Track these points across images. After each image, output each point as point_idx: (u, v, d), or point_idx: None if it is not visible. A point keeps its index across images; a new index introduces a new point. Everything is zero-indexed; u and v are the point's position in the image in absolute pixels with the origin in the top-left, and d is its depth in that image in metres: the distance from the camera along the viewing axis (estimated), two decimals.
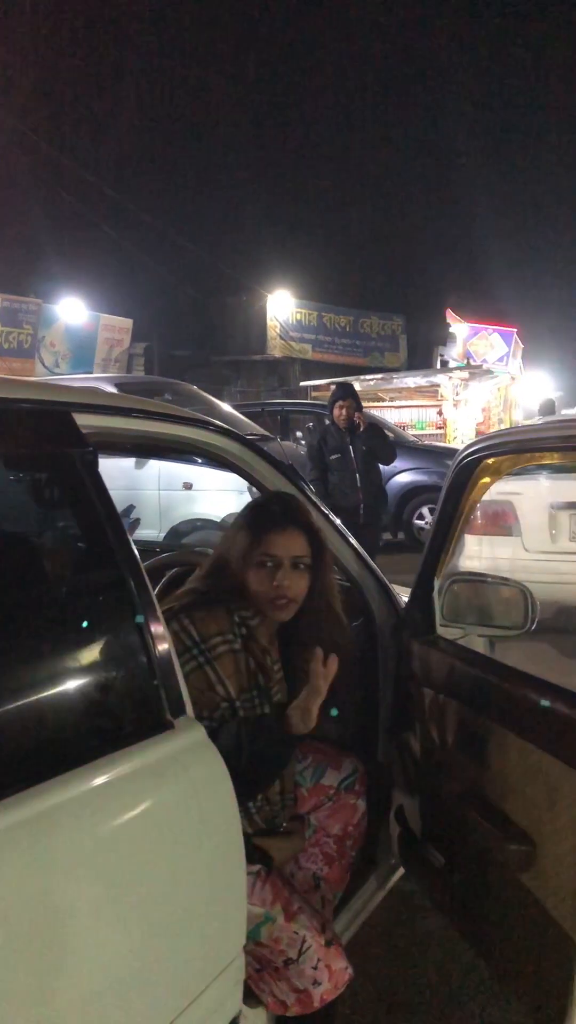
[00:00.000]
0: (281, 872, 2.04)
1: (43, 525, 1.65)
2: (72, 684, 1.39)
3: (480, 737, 1.96)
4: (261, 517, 2.02)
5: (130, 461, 7.10)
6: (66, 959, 1.18)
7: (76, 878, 1.22)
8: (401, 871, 2.49)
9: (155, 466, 7.02)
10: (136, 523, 5.45)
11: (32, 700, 1.32)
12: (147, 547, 3.56)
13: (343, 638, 2.10)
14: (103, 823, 1.27)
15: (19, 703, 1.29)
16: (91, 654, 1.43)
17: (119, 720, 1.42)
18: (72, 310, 18.31)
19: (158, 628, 1.48)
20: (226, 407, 9.17)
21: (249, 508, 2.08)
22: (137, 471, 7.18)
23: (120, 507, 4.59)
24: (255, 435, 8.25)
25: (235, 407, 10.14)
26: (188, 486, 6.80)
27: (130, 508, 5.47)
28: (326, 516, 2.31)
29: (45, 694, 1.34)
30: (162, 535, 6.73)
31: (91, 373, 15.51)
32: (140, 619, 1.44)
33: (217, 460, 2.05)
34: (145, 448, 2.29)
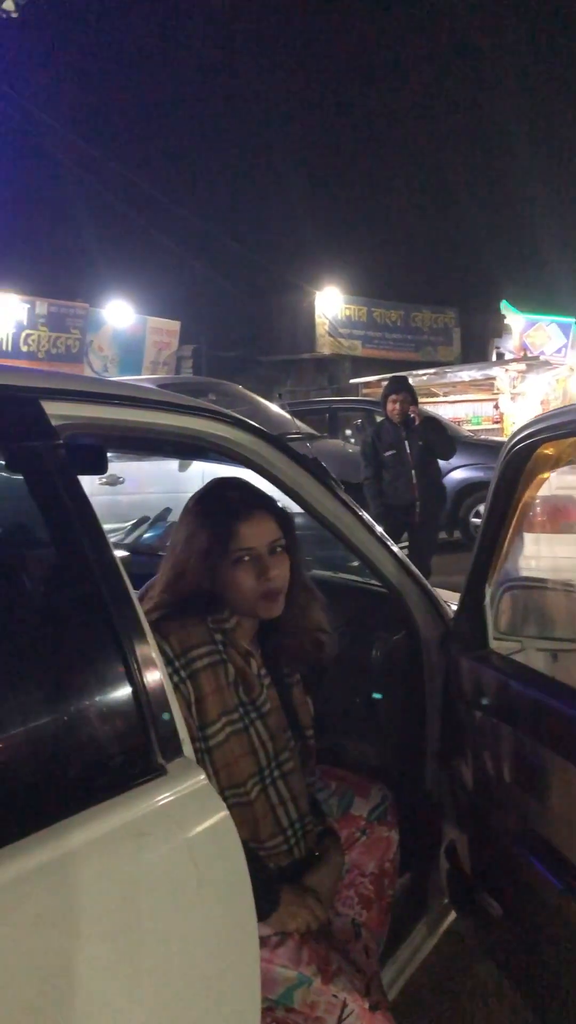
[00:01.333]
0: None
1: (9, 530, 1.42)
2: (36, 726, 1.15)
3: (540, 769, 1.68)
4: (220, 508, 1.77)
5: (172, 463, 6.94)
6: None
7: (37, 962, 0.99)
8: (454, 914, 2.23)
9: (199, 467, 6.84)
10: (172, 527, 5.24)
11: None
12: None
13: (322, 617, 1.89)
14: (70, 897, 1.04)
15: None
16: (59, 688, 1.19)
17: (96, 767, 1.17)
18: (119, 313, 18.36)
19: (146, 653, 1.24)
20: (273, 407, 9.00)
21: (200, 501, 1.81)
22: (180, 473, 7.01)
23: (156, 510, 4.38)
24: (299, 434, 8.04)
25: (282, 406, 9.97)
26: None
27: (166, 511, 5.26)
28: (359, 516, 2.05)
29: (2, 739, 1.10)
30: None
31: (139, 376, 15.49)
32: (121, 643, 1.20)
33: (228, 455, 1.80)
34: (150, 443, 2.05)
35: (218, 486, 1.85)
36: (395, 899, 2.03)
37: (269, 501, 1.83)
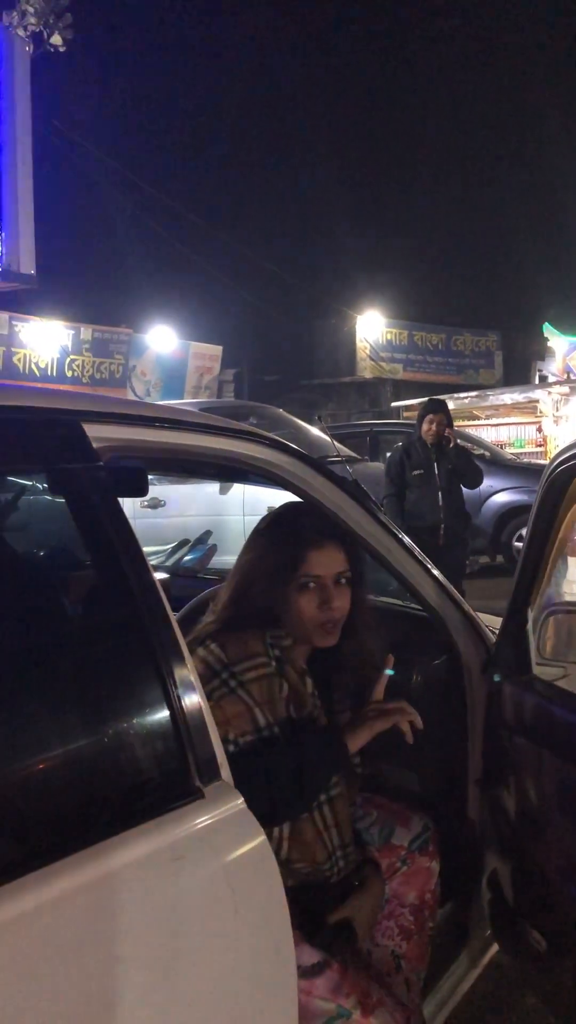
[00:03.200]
0: (359, 953, 1.76)
1: (44, 556, 1.43)
2: (73, 747, 1.15)
3: None
4: (294, 534, 1.80)
5: (213, 486, 6.98)
6: None
7: (71, 987, 0.98)
8: (496, 946, 2.17)
9: (239, 491, 6.87)
10: (213, 549, 5.27)
11: (22, 768, 1.09)
12: (224, 575, 3.36)
13: (374, 647, 1.88)
14: (106, 921, 1.03)
15: (4, 772, 1.06)
16: (98, 710, 1.19)
17: (132, 790, 1.17)
18: (162, 338, 18.55)
19: (184, 675, 1.23)
20: (314, 430, 9.00)
21: (274, 523, 1.86)
22: (221, 497, 7.04)
23: (197, 533, 4.42)
24: (340, 457, 8.03)
25: (323, 429, 9.96)
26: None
27: (207, 534, 5.30)
28: (399, 539, 2.03)
29: (38, 760, 1.11)
30: None
31: (181, 400, 15.62)
32: (159, 665, 1.20)
33: (268, 476, 1.80)
34: (191, 466, 2.06)
35: (292, 511, 1.89)
36: (436, 930, 1.99)
37: (341, 533, 1.86)
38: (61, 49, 13.22)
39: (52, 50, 13.16)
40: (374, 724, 1.72)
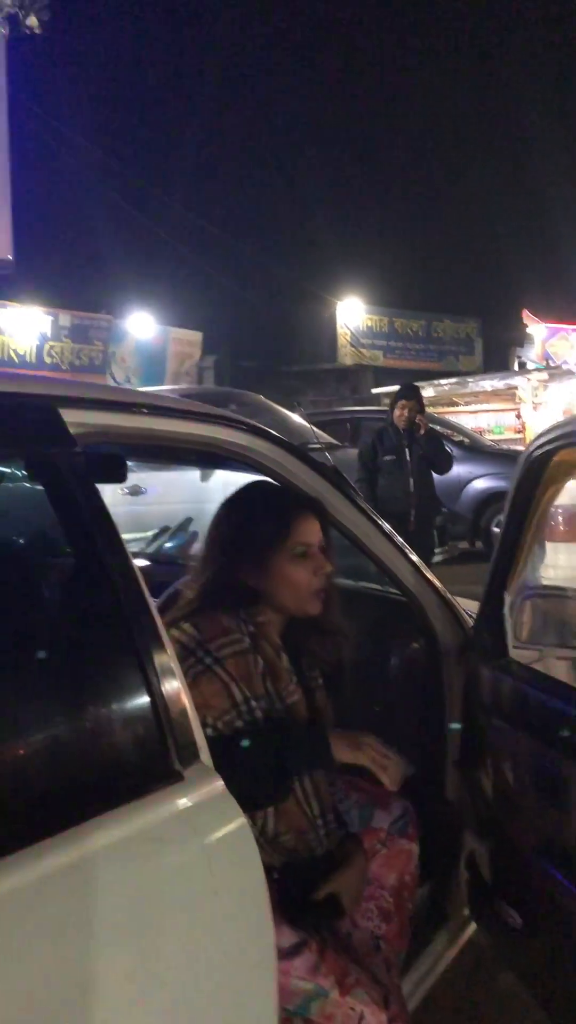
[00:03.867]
0: (338, 934, 1.78)
1: (21, 542, 1.43)
2: (54, 732, 1.15)
3: (560, 780, 1.66)
4: (282, 504, 1.84)
5: (194, 474, 6.95)
6: None
7: (51, 969, 0.99)
8: (474, 925, 2.20)
9: (220, 477, 6.84)
10: (194, 537, 5.25)
11: (3, 752, 1.09)
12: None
13: (343, 623, 1.91)
14: (85, 903, 1.04)
15: None
16: (78, 694, 1.19)
17: (112, 773, 1.18)
18: (141, 325, 18.45)
19: (164, 661, 1.24)
20: (295, 417, 8.98)
21: (251, 500, 1.87)
22: (202, 484, 7.01)
23: (178, 520, 4.40)
24: (320, 444, 8.03)
25: (303, 415, 9.96)
26: None
27: (187, 521, 5.27)
28: (378, 524, 2.05)
29: (19, 744, 1.11)
30: None
31: (161, 386, 15.55)
32: (138, 650, 1.20)
33: (246, 462, 1.81)
34: (170, 452, 2.06)
35: (264, 487, 1.92)
36: (415, 910, 2.01)
37: (316, 503, 1.89)
38: (37, 31, 13.04)
39: (28, 32, 12.98)
40: (359, 754, 1.75)
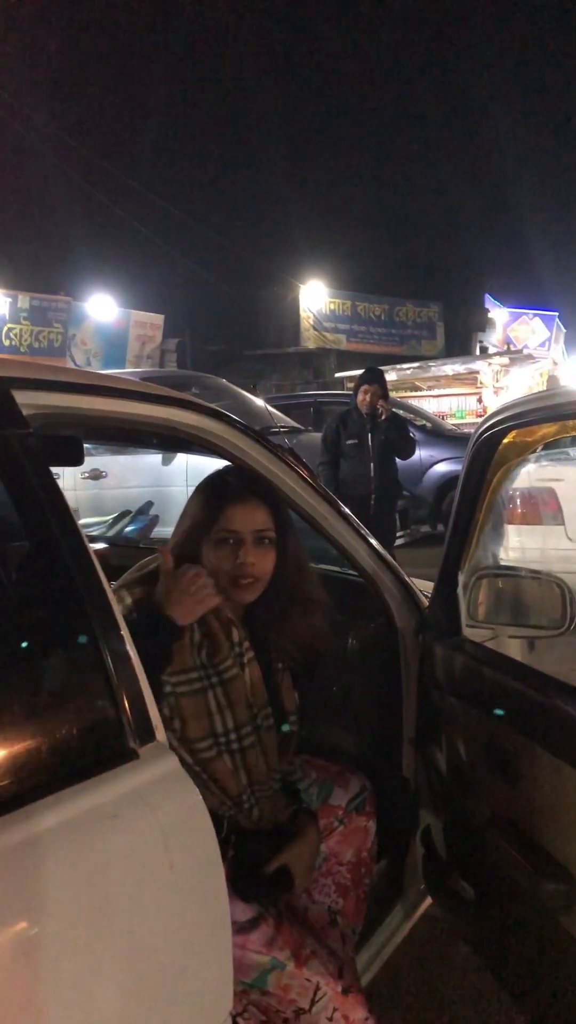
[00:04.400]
0: (293, 907, 1.81)
1: None
2: (7, 710, 1.16)
3: (512, 755, 1.70)
4: (217, 490, 1.84)
5: (156, 457, 6.93)
6: None
7: (8, 945, 1.00)
8: (430, 899, 2.25)
9: (182, 461, 6.83)
10: (155, 520, 5.26)
11: None
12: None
13: (319, 622, 1.93)
14: (43, 879, 1.05)
15: None
16: (33, 675, 1.20)
17: (68, 751, 1.19)
18: (102, 307, 18.27)
19: (118, 641, 1.25)
20: (257, 401, 8.98)
21: (204, 482, 1.89)
22: (163, 468, 7.00)
23: (138, 503, 4.40)
24: (283, 427, 8.04)
25: (268, 400, 9.96)
26: None
27: (148, 505, 5.27)
28: (336, 507, 2.07)
29: None
30: None
31: (123, 370, 15.44)
32: (93, 630, 1.21)
33: (205, 445, 1.81)
34: (128, 434, 2.06)
35: (222, 472, 1.92)
36: (372, 886, 2.05)
37: (269, 494, 1.88)
38: None
39: None
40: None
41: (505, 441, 1.83)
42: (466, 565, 1.99)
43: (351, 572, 2.27)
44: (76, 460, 1.41)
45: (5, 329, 15.90)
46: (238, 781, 1.76)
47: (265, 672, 1.85)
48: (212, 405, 1.80)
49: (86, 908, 1.10)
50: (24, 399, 1.29)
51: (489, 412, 1.84)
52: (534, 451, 1.89)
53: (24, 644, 1.22)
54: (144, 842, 1.19)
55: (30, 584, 1.30)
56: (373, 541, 2.17)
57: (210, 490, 1.85)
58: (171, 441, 2.11)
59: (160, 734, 1.28)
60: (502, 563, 2.64)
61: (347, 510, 2.13)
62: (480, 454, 1.89)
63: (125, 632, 1.27)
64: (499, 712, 1.74)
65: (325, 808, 1.99)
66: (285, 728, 1.88)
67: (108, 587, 1.28)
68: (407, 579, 2.21)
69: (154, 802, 1.22)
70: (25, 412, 1.27)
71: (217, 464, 1.97)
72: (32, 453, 1.23)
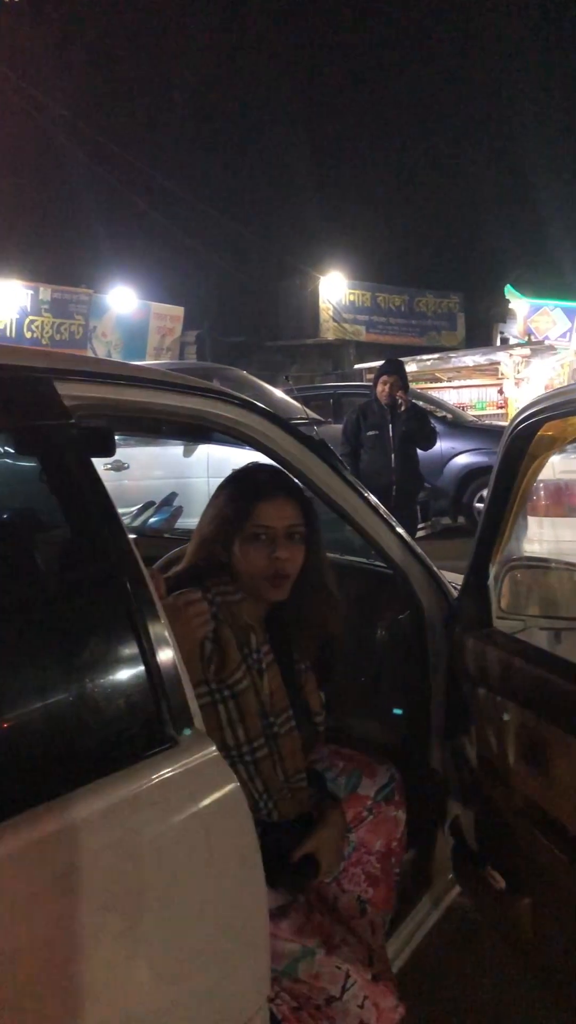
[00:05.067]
0: (323, 896, 1.82)
1: (19, 512, 1.44)
2: (51, 698, 1.18)
3: (543, 745, 1.70)
4: (247, 486, 1.85)
5: (177, 449, 6.95)
6: None
7: (50, 928, 1.02)
8: (458, 888, 2.26)
9: (204, 453, 6.85)
10: (179, 511, 5.28)
11: (3, 719, 1.12)
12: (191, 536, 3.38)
13: (335, 619, 1.93)
14: (85, 864, 1.06)
15: None
16: (75, 663, 1.21)
17: (109, 738, 1.20)
18: (123, 299, 18.28)
19: (158, 629, 1.26)
20: (278, 392, 8.99)
21: (231, 479, 1.90)
22: (185, 459, 7.02)
23: (162, 494, 4.43)
24: (306, 418, 8.05)
25: (289, 391, 9.96)
26: None
27: (172, 496, 5.30)
28: (365, 498, 2.07)
29: (16, 710, 1.13)
30: None
31: (143, 361, 15.46)
32: (133, 618, 1.23)
33: (236, 436, 1.82)
34: (158, 425, 2.07)
35: (250, 467, 1.93)
36: (401, 876, 2.06)
37: (297, 489, 1.88)
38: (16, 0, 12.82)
39: (7, 1, 12.76)
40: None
41: (540, 433, 1.83)
42: (497, 557, 1.99)
43: (379, 563, 2.27)
44: (108, 451, 1.43)
45: (27, 321, 15.95)
46: (254, 789, 1.76)
47: (287, 672, 1.85)
48: (244, 396, 1.81)
49: (127, 893, 1.12)
50: (65, 390, 1.30)
51: (522, 404, 1.84)
52: (569, 443, 1.89)
53: (66, 632, 1.24)
54: (183, 828, 1.21)
55: (73, 573, 1.31)
56: (402, 532, 2.18)
57: (239, 486, 1.86)
58: (195, 431, 2.12)
59: (198, 721, 1.30)
60: (525, 553, 2.63)
61: (376, 501, 2.13)
62: (514, 446, 1.89)
63: (164, 620, 1.29)
64: (530, 703, 1.74)
65: (354, 798, 2.00)
66: (310, 726, 1.89)
67: (148, 576, 1.29)
68: (436, 570, 2.21)
69: (193, 789, 1.24)
70: (67, 403, 1.29)
71: (239, 455, 1.98)
72: (74, 443, 1.24)
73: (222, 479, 1.96)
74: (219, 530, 1.81)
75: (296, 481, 1.93)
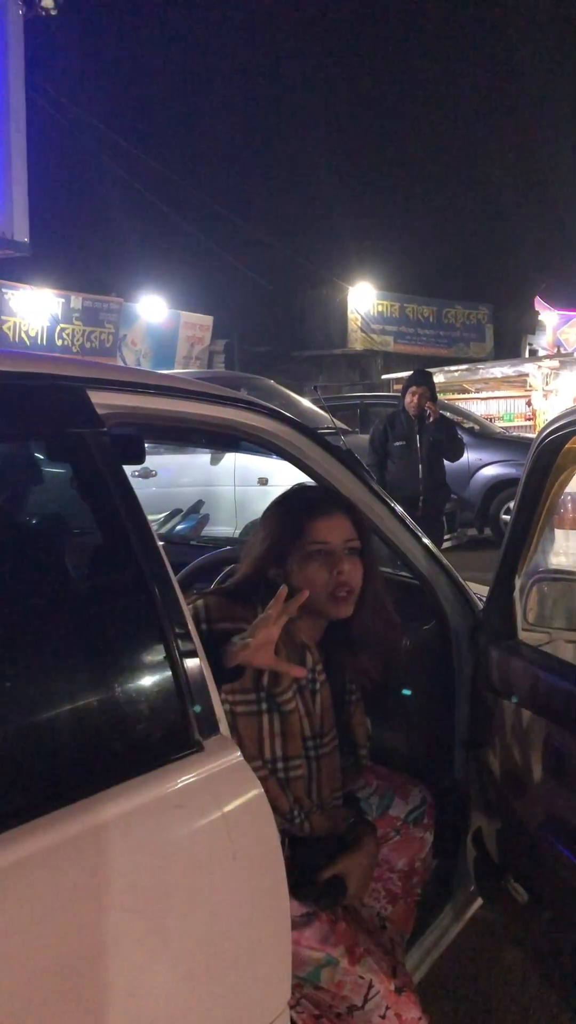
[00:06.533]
0: (347, 907, 1.82)
1: (49, 519, 1.47)
2: (79, 701, 1.19)
3: (568, 758, 1.70)
4: (299, 504, 1.83)
5: (204, 457, 7.01)
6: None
7: (74, 930, 1.04)
8: (480, 901, 2.25)
9: (230, 461, 6.90)
10: (205, 519, 5.32)
11: (31, 720, 1.14)
12: (217, 543, 3.43)
13: (396, 634, 1.93)
14: (109, 865, 1.08)
15: (15, 723, 1.11)
16: (103, 667, 1.23)
17: (136, 742, 1.22)
18: (153, 308, 18.42)
19: (185, 635, 1.28)
20: (305, 402, 9.02)
21: (280, 500, 1.88)
22: (212, 467, 7.08)
23: (189, 502, 4.48)
24: (333, 428, 8.07)
25: (316, 400, 10.00)
26: (263, 481, 6.65)
27: (199, 504, 5.34)
28: (391, 508, 2.08)
29: (45, 713, 1.15)
30: (237, 532, 6.60)
31: (174, 371, 15.56)
32: (162, 624, 1.25)
33: (265, 445, 1.84)
34: (187, 433, 2.10)
35: (298, 489, 1.92)
36: (424, 894, 2.05)
37: (350, 506, 1.87)
38: (53, 12, 12.95)
39: (44, 14, 12.89)
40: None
41: (567, 446, 1.83)
42: (523, 569, 1.99)
43: (405, 573, 2.28)
44: (139, 458, 1.45)
45: (58, 329, 16.10)
46: (287, 800, 1.75)
47: (337, 696, 1.85)
48: (273, 406, 1.83)
49: (151, 894, 1.13)
50: (98, 399, 1.33)
51: (550, 416, 1.84)
52: None
53: (95, 636, 1.26)
54: (208, 831, 1.22)
55: (104, 578, 1.33)
56: (428, 542, 2.18)
57: (291, 506, 1.84)
58: (224, 440, 2.13)
59: (223, 726, 1.32)
60: (552, 566, 2.63)
61: (402, 511, 2.14)
62: (542, 458, 1.89)
63: (192, 627, 1.31)
64: (555, 716, 1.74)
65: (384, 818, 2.00)
66: (354, 759, 1.89)
67: (176, 583, 1.31)
68: (461, 581, 2.21)
69: (218, 793, 1.25)
70: (99, 412, 1.31)
71: (266, 466, 1.99)
72: (107, 451, 1.27)
73: (248, 487, 1.97)
74: (272, 550, 1.79)
75: (347, 497, 1.92)
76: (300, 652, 1.78)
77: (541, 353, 18.24)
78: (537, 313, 19.32)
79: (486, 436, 10.61)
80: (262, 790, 1.31)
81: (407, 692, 2.31)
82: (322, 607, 1.77)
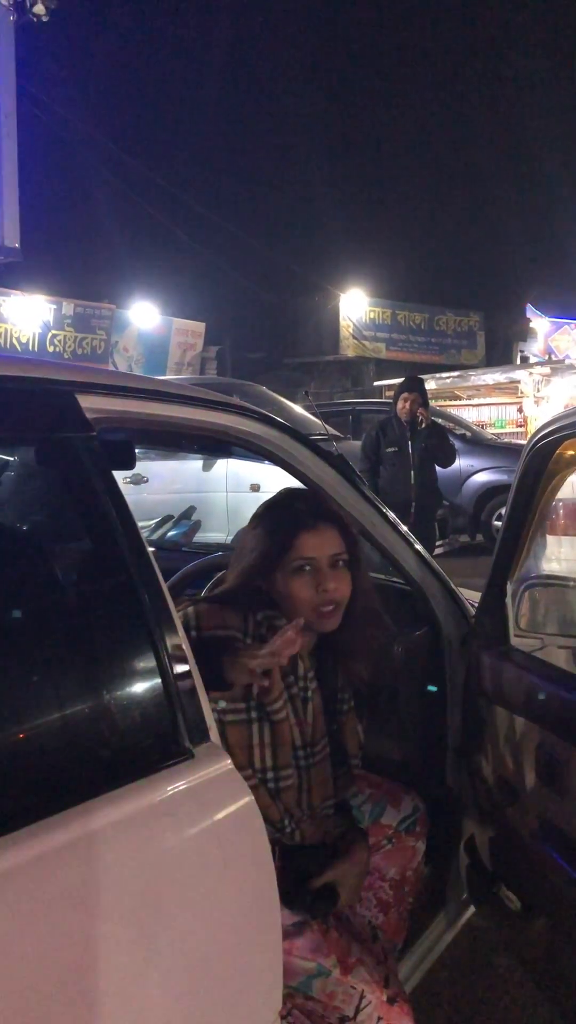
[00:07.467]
0: (339, 916, 1.81)
1: (37, 524, 1.46)
2: (69, 708, 1.18)
3: (560, 765, 1.69)
4: (286, 518, 1.79)
5: (196, 463, 6.99)
6: None
7: (62, 939, 1.02)
8: (472, 908, 2.24)
9: (222, 467, 6.89)
10: (197, 525, 5.31)
11: (19, 727, 1.12)
12: (209, 549, 3.41)
13: (382, 637, 1.92)
14: (99, 874, 1.07)
15: (3, 731, 1.10)
16: (93, 674, 1.22)
17: (125, 749, 1.21)
18: (145, 315, 18.43)
19: (175, 642, 1.27)
20: (297, 408, 9.02)
21: (267, 510, 1.84)
22: (204, 473, 7.06)
23: (180, 508, 4.45)
24: (325, 434, 8.06)
25: (308, 407, 10.00)
26: (256, 488, 6.64)
27: (191, 510, 5.33)
28: (383, 514, 2.07)
29: (34, 720, 1.14)
30: (229, 538, 6.58)
31: (166, 377, 15.55)
32: (151, 631, 1.23)
33: (256, 451, 1.83)
34: (179, 439, 2.09)
35: (287, 496, 1.87)
36: (415, 902, 2.03)
37: (336, 515, 1.83)
38: (44, 19, 12.95)
39: (35, 20, 12.90)
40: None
41: (558, 452, 1.83)
42: (515, 574, 1.99)
43: (397, 579, 2.27)
44: (129, 464, 1.43)
45: (50, 335, 16.10)
46: (278, 809, 1.74)
47: (329, 705, 1.84)
48: (264, 411, 1.82)
49: (141, 903, 1.12)
50: (86, 403, 1.32)
51: (541, 422, 1.84)
52: None
53: (84, 643, 1.24)
54: (198, 840, 1.21)
55: (93, 584, 1.32)
56: (420, 549, 2.18)
57: (277, 518, 1.80)
58: (216, 445, 2.12)
59: (213, 734, 1.30)
60: (544, 571, 2.62)
61: (394, 517, 2.13)
62: (533, 464, 1.89)
63: (182, 633, 1.30)
64: (547, 722, 1.73)
65: (376, 827, 1.98)
66: (345, 768, 1.88)
67: (166, 589, 1.30)
68: (453, 587, 2.21)
69: (208, 801, 1.24)
70: (88, 416, 1.30)
71: (258, 471, 1.98)
72: (96, 456, 1.26)
73: (240, 493, 1.96)
74: (259, 563, 1.76)
75: (333, 505, 1.89)
76: (292, 660, 1.75)
77: (532, 360, 18.28)
78: (528, 320, 19.40)
79: (478, 442, 10.63)
80: (253, 798, 1.29)
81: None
82: (309, 621, 1.74)
